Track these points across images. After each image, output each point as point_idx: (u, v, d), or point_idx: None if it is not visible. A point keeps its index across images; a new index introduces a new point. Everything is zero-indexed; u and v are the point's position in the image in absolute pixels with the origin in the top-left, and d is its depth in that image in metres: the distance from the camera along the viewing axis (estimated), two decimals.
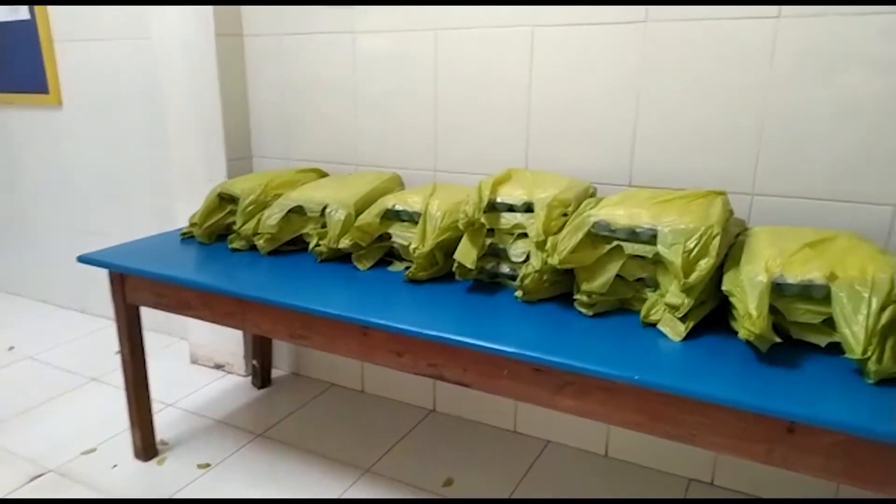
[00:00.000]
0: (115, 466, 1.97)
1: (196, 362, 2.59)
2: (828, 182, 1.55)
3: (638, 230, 1.37)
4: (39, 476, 1.92)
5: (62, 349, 2.74)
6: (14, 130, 3.03)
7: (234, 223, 1.88)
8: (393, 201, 1.72)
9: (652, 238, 1.35)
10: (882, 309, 1.14)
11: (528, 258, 1.51)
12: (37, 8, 2.70)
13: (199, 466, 1.96)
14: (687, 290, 1.29)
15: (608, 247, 1.40)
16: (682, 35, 1.63)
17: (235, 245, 1.86)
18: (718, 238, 1.29)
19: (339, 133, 2.19)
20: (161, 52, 2.30)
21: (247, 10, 2.24)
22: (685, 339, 1.30)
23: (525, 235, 1.53)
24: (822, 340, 1.24)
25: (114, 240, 1.98)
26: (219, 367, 2.54)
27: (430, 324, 1.39)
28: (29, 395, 2.36)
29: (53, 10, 2.69)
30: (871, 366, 1.11)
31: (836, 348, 1.20)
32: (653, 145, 1.72)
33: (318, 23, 2.13)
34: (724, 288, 1.29)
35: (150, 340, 2.63)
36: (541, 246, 1.45)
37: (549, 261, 1.41)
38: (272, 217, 1.79)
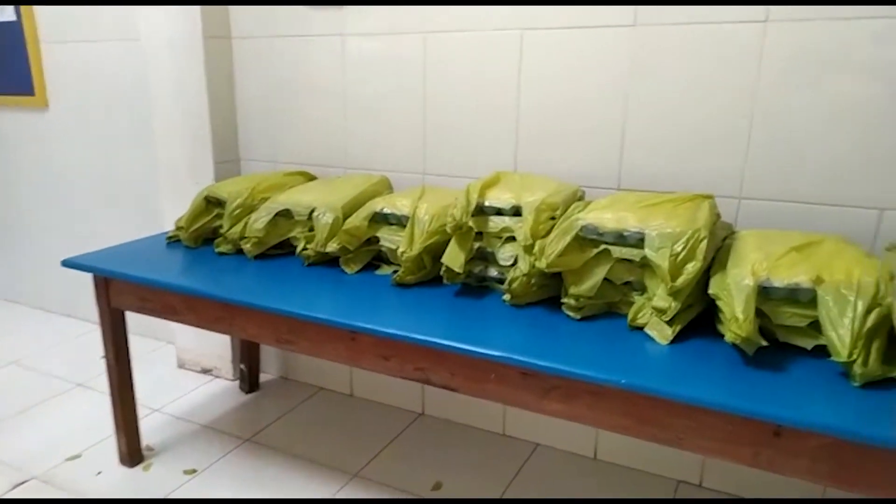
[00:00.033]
0: (99, 473, 1.95)
1: (183, 367, 2.57)
2: (815, 186, 1.55)
3: (625, 234, 1.37)
4: (23, 483, 1.90)
5: (48, 354, 2.71)
6: None
7: (220, 227, 1.87)
8: (381, 205, 1.71)
9: (639, 241, 1.35)
10: (868, 312, 1.14)
11: (516, 262, 1.51)
12: (23, 8, 2.67)
13: (186, 472, 1.94)
14: (674, 294, 1.29)
15: (596, 250, 1.40)
16: (670, 39, 1.63)
17: (222, 249, 1.84)
18: (705, 242, 1.29)
19: (328, 136, 2.18)
20: (148, 54, 2.28)
21: (235, 12, 2.23)
22: (672, 342, 1.30)
23: (513, 239, 1.53)
24: (809, 343, 1.25)
25: (100, 243, 1.96)
26: (206, 371, 2.52)
27: (418, 328, 1.39)
28: (13, 401, 2.33)
29: (40, 11, 2.66)
30: (857, 368, 1.12)
31: (822, 351, 1.21)
32: (641, 148, 1.73)
33: (307, 25, 2.12)
34: (710, 291, 1.29)
35: (137, 345, 2.60)
36: (529, 249, 1.45)
37: (537, 264, 1.41)
38: (259, 221, 1.78)
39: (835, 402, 1.11)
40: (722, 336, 1.24)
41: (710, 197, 1.50)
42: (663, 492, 1.86)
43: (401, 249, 1.60)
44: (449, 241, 1.55)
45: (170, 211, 2.23)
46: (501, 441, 2.11)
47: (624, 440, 1.90)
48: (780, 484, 1.75)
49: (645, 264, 1.36)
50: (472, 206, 1.54)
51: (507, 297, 1.49)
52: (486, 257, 1.57)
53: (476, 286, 1.60)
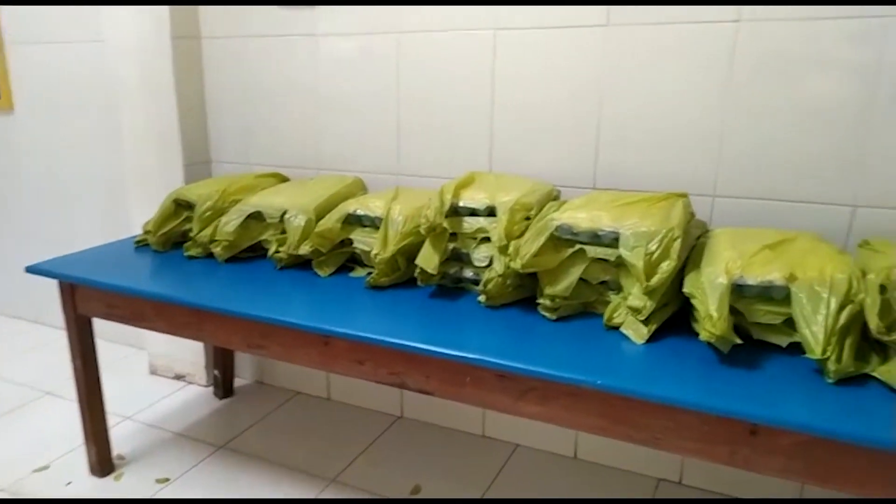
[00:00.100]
0: (69, 483, 1.90)
1: (155, 373, 2.52)
2: (788, 183, 1.56)
3: (600, 233, 1.36)
4: None
5: (16, 362, 2.64)
6: None
7: (190, 230, 1.83)
8: (354, 206, 1.69)
9: (614, 241, 1.34)
10: (840, 309, 1.14)
11: (491, 263, 1.49)
12: None
13: (158, 481, 1.90)
14: (649, 293, 1.28)
15: (571, 250, 1.39)
16: (643, 39, 1.63)
17: (192, 253, 1.80)
18: (679, 240, 1.29)
19: (301, 137, 2.14)
20: (115, 55, 2.23)
21: (204, 12, 2.19)
22: (648, 341, 1.29)
23: (488, 240, 1.51)
24: (783, 341, 1.25)
25: (68, 248, 1.91)
26: (179, 377, 2.47)
27: (392, 331, 1.36)
28: None
29: (4, 11, 2.60)
30: (831, 365, 1.12)
31: (796, 348, 1.21)
32: (616, 148, 1.72)
33: (279, 25, 2.08)
34: (685, 290, 1.29)
35: (108, 351, 2.56)
36: (503, 250, 1.44)
37: (512, 265, 1.39)
38: (230, 223, 1.74)
39: (809, 400, 1.11)
40: (697, 334, 1.23)
41: (684, 196, 1.50)
42: (644, 490, 1.86)
43: (374, 251, 1.57)
44: (423, 242, 1.53)
45: (139, 215, 2.18)
46: (481, 442, 2.09)
47: (603, 439, 1.89)
48: (760, 480, 1.75)
49: (620, 264, 1.35)
50: (446, 207, 1.52)
51: (482, 298, 1.48)
52: (461, 258, 1.56)
53: (451, 287, 1.58)
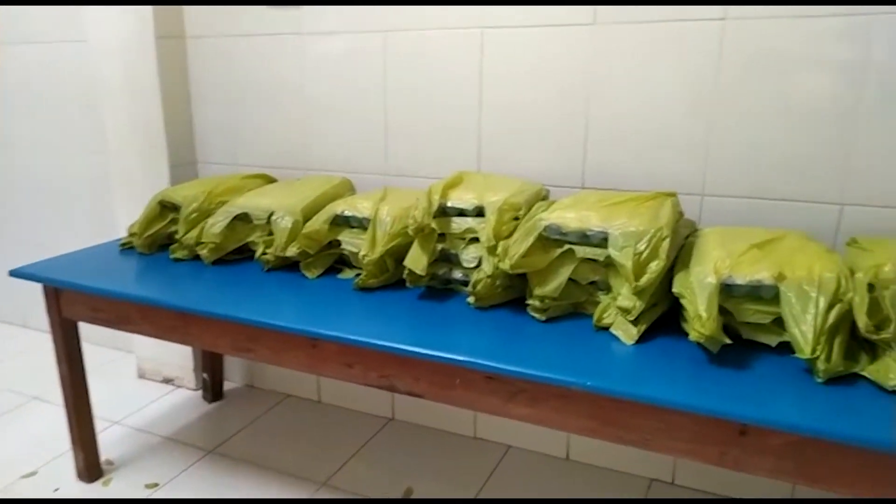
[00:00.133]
0: (56, 490, 1.87)
1: (143, 377, 2.50)
2: (777, 182, 1.56)
3: (589, 233, 1.35)
4: None
5: (2, 366, 2.61)
6: None
7: (175, 232, 1.81)
8: (342, 207, 1.67)
9: (603, 241, 1.33)
10: (829, 308, 1.14)
11: (479, 263, 1.48)
12: None
13: (147, 486, 1.88)
14: (638, 293, 1.27)
15: (560, 250, 1.38)
16: (629, 37, 1.62)
17: (177, 255, 1.78)
18: (668, 240, 1.28)
19: (288, 137, 2.13)
20: (98, 56, 2.20)
21: (189, 11, 2.16)
22: (638, 342, 1.28)
23: (477, 240, 1.50)
24: (773, 340, 1.24)
25: (53, 251, 1.88)
26: (167, 381, 2.45)
27: (381, 334, 1.35)
28: None
29: None
30: (820, 364, 1.11)
31: (786, 347, 1.20)
32: (604, 147, 1.71)
33: (265, 24, 2.06)
34: (674, 290, 1.28)
35: (95, 355, 2.54)
36: (492, 251, 1.43)
37: (501, 266, 1.38)
38: (216, 225, 1.72)
39: (799, 399, 1.10)
40: (687, 334, 1.22)
41: (672, 195, 1.50)
42: (636, 491, 1.85)
43: (362, 253, 1.56)
44: (411, 243, 1.52)
45: (124, 217, 2.16)
46: (473, 444, 2.08)
47: (596, 440, 1.88)
48: (753, 480, 1.75)
49: (609, 264, 1.34)
50: (434, 208, 1.51)
51: (471, 299, 1.47)
52: (449, 259, 1.54)
53: (440, 289, 1.57)
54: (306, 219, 1.69)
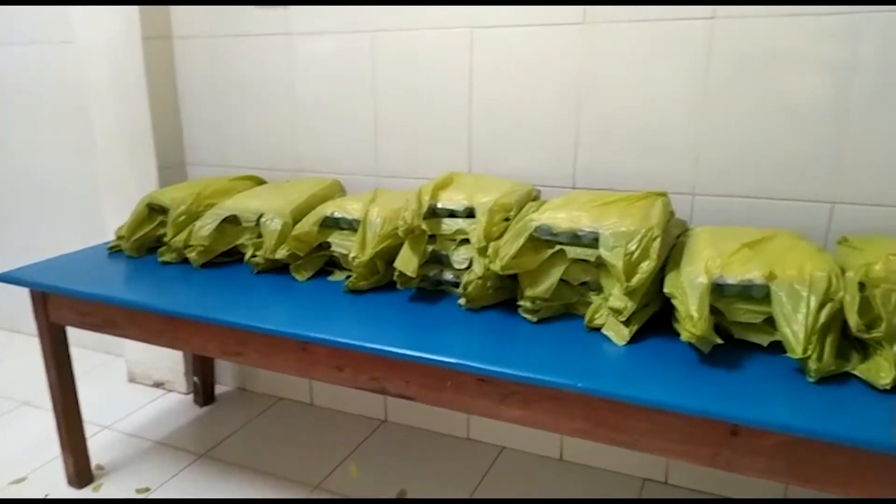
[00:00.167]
0: (46, 495, 1.86)
1: (134, 381, 2.48)
2: (768, 181, 1.55)
3: (580, 233, 1.35)
4: None
5: None
6: None
7: (164, 235, 1.79)
8: (331, 208, 1.66)
9: (594, 241, 1.33)
10: (821, 307, 1.14)
11: (470, 265, 1.47)
12: None
13: (138, 491, 1.87)
14: (629, 294, 1.27)
15: (551, 251, 1.38)
16: (619, 36, 1.62)
17: (166, 258, 1.77)
18: (659, 240, 1.27)
19: (278, 139, 2.11)
20: (85, 57, 2.18)
21: (176, 12, 2.15)
22: (630, 342, 1.28)
23: (468, 241, 1.49)
24: (764, 340, 1.24)
25: (41, 255, 1.86)
26: (158, 385, 2.43)
27: (371, 336, 1.34)
28: None
29: None
30: (812, 364, 1.11)
31: (777, 346, 1.20)
32: (595, 147, 1.71)
33: (253, 24, 2.05)
34: (665, 290, 1.27)
35: (85, 359, 2.52)
36: (483, 252, 1.42)
37: (492, 267, 1.38)
38: (204, 228, 1.71)
39: (790, 399, 1.10)
40: (679, 334, 1.22)
41: (663, 194, 1.49)
42: (630, 490, 1.85)
43: (352, 254, 1.55)
44: (402, 245, 1.51)
45: (112, 220, 2.14)
46: (466, 445, 2.07)
47: (589, 441, 1.89)
48: (746, 479, 1.74)
49: (600, 264, 1.33)
50: (424, 209, 1.50)
51: (462, 301, 1.46)
52: (440, 260, 1.54)
53: (431, 290, 1.56)
54: (296, 221, 1.68)
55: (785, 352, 1.14)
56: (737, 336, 1.26)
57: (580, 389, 1.14)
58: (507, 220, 1.50)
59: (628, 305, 1.27)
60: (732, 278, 1.21)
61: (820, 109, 1.48)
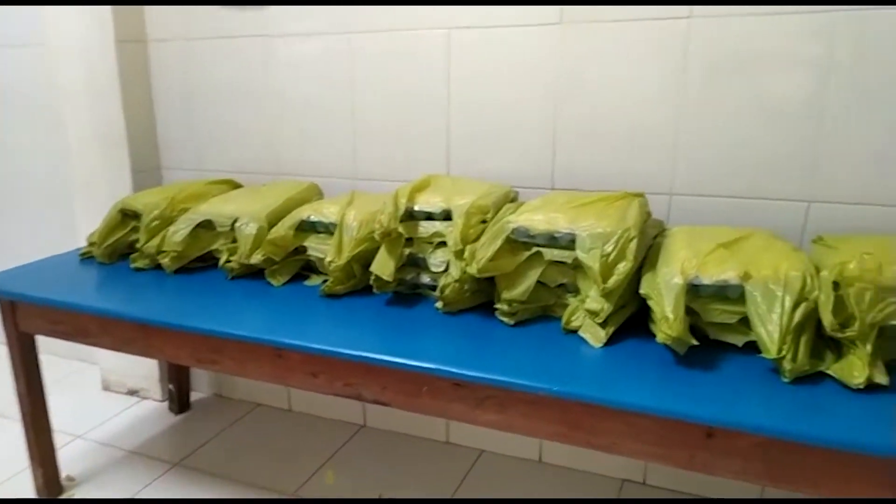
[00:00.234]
0: None
1: (108, 388, 2.43)
2: (744, 180, 1.56)
3: (557, 235, 1.34)
4: None
5: None
6: None
7: (137, 241, 1.75)
8: (308, 212, 1.64)
9: (571, 243, 1.32)
10: (795, 307, 1.14)
11: (448, 267, 1.46)
12: None
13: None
14: (606, 295, 1.26)
15: (528, 253, 1.37)
16: (596, 37, 1.61)
17: (138, 264, 1.73)
18: (635, 241, 1.27)
19: (255, 142, 2.09)
20: (57, 60, 2.14)
21: (151, 15, 2.11)
22: (606, 344, 1.27)
23: (445, 244, 1.48)
24: (739, 340, 1.24)
25: (10, 262, 1.81)
26: (132, 392, 2.38)
27: (347, 342, 1.33)
28: None
29: None
30: (787, 364, 1.11)
31: (753, 347, 1.20)
32: (574, 147, 1.70)
33: (229, 26, 2.02)
34: (641, 291, 1.27)
35: (58, 366, 2.48)
36: (459, 255, 1.41)
37: (468, 270, 1.36)
38: (178, 233, 1.68)
39: (765, 400, 1.10)
40: (655, 336, 1.21)
41: (640, 195, 1.49)
42: (608, 491, 1.85)
43: (328, 259, 1.53)
44: (378, 248, 1.49)
45: (85, 225, 2.09)
46: (445, 449, 2.06)
47: None
48: (723, 479, 1.74)
49: (577, 266, 1.33)
50: (401, 212, 1.49)
51: (439, 304, 1.44)
52: (417, 263, 1.52)
53: (408, 294, 1.55)
54: (271, 225, 1.65)
55: (760, 352, 1.14)
56: (712, 336, 1.26)
57: (556, 393, 1.13)
58: (484, 222, 1.49)
59: (605, 307, 1.27)
60: (708, 278, 1.21)
61: (796, 109, 1.48)
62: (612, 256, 1.26)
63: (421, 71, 1.82)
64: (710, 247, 1.28)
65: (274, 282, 1.63)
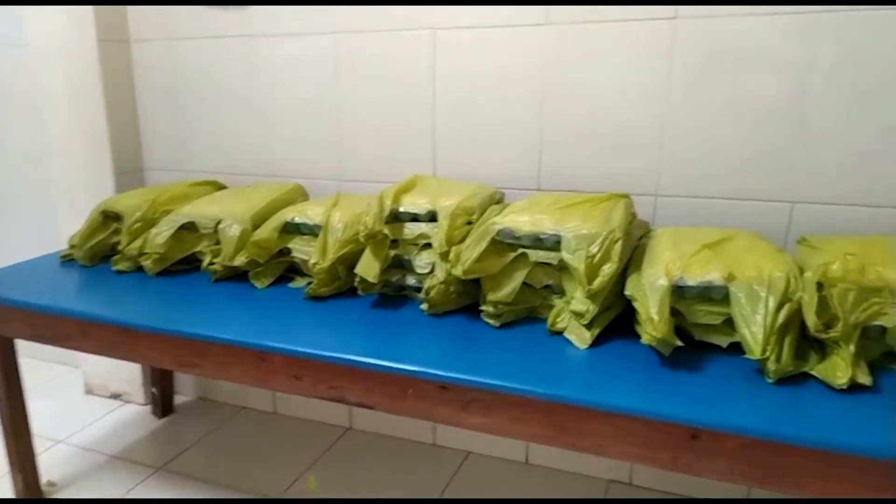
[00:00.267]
0: None
1: (91, 392, 2.40)
2: (729, 181, 1.56)
3: (542, 237, 1.34)
4: None
5: None
6: None
7: (118, 243, 1.73)
8: (292, 214, 1.63)
9: (556, 244, 1.32)
10: (779, 308, 1.14)
11: (433, 269, 1.45)
12: None
13: None
14: (591, 297, 1.26)
15: (513, 255, 1.36)
16: (581, 37, 1.62)
17: (120, 267, 1.71)
18: (620, 242, 1.27)
19: (239, 142, 2.07)
20: (39, 61, 2.11)
21: (133, 15, 2.09)
22: (592, 345, 1.27)
23: (430, 246, 1.47)
24: (724, 341, 1.24)
25: None
26: (115, 396, 2.35)
27: (331, 345, 1.32)
28: None
29: None
30: (771, 365, 1.11)
31: (737, 348, 1.20)
32: (559, 148, 1.70)
33: (212, 26, 2.01)
34: (626, 292, 1.27)
35: (40, 370, 2.45)
36: (444, 256, 1.40)
37: (454, 271, 1.36)
38: (160, 235, 1.66)
39: (750, 401, 1.10)
40: (640, 337, 1.21)
41: (625, 196, 1.49)
42: (595, 492, 1.85)
43: (313, 260, 1.52)
44: (363, 250, 1.48)
45: (67, 227, 2.06)
46: (432, 451, 2.05)
47: None
48: (709, 479, 1.75)
49: (563, 267, 1.32)
50: (386, 213, 1.48)
51: (424, 306, 1.43)
52: (403, 265, 1.51)
53: (394, 296, 1.54)
54: (256, 226, 1.64)
55: (744, 353, 1.15)
56: (697, 338, 1.26)
57: (541, 396, 1.13)
58: (469, 223, 1.48)
59: (590, 308, 1.26)
60: (692, 280, 1.21)
61: (781, 109, 1.49)
62: (597, 258, 1.26)
63: (406, 71, 1.81)
64: (694, 248, 1.29)
65: (258, 284, 1.61)
